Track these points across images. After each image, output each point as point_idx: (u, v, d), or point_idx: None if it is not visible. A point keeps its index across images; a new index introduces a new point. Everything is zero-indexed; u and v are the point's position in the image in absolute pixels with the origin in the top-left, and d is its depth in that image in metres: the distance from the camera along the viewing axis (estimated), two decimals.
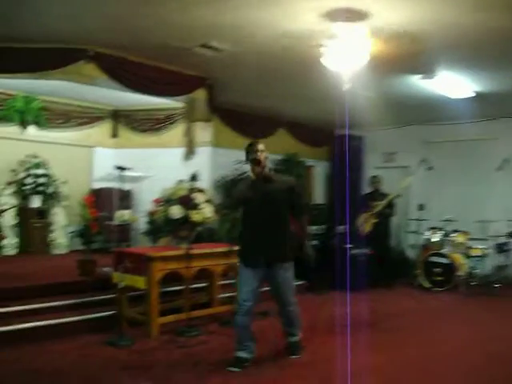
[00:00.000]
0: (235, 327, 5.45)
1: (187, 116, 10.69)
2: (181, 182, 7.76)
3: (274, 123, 12.08)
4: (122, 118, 11.74)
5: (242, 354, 5.35)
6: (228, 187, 5.76)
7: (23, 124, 10.09)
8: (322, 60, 6.22)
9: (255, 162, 5.36)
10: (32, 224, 10.20)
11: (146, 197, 8.83)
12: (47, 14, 6.22)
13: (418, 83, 8.78)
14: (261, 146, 5.41)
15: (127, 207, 6.89)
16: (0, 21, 6.44)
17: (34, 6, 5.97)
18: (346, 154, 12.13)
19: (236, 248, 5.77)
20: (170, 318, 6.68)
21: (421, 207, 11.30)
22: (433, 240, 10.56)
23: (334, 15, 5.84)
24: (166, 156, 10.94)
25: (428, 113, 11.31)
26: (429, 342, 6.57)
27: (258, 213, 5.34)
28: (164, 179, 8.16)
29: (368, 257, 10.12)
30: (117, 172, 6.33)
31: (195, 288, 7.30)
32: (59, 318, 6.39)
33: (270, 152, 11.73)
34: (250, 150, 5.41)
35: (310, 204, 12.26)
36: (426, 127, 12.29)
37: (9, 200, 9.89)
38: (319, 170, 13.80)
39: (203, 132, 10.82)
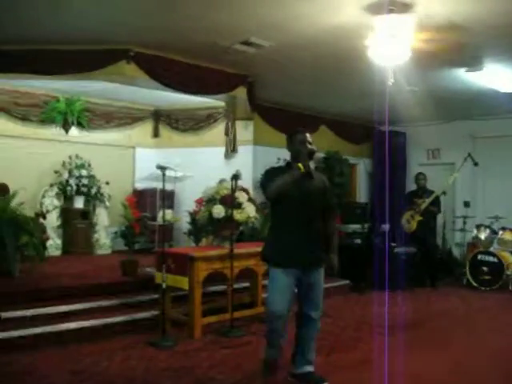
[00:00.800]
0: (267, 332, 4.84)
1: (228, 114, 10.65)
2: (223, 181, 7.71)
3: (315, 120, 11.96)
4: (163, 118, 11.75)
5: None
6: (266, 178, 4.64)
7: (66, 125, 10.17)
8: (367, 54, 6.08)
9: (310, 154, 4.64)
10: (75, 225, 10.27)
11: (188, 196, 8.83)
12: (87, 16, 6.27)
13: (464, 76, 8.59)
14: (309, 136, 4.75)
15: (169, 207, 6.84)
16: (41, 24, 6.52)
17: (73, 8, 6.02)
18: (389, 150, 11.94)
19: (265, 248, 4.95)
20: (213, 318, 6.62)
21: (467, 204, 11.06)
22: (480, 238, 10.31)
23: (377, 7, 5.74)
24: (208, 155, 10.91)
25: (474, 107, 11.07)
26: (475, 343, 6.38)
27: (298, 211, 4.66)
28: (205, 178, 8.13)
29: (413, 255, 9.94)
30: (158, 171, 6.28)
31: (238, 288, 7.23)
32: (103, 318, 6.38)
33: None
34: (300, 140, 4.71)
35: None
36: (472, 122, 12.02)
37: (52, 201, 9.98)
38: (362, 168, 13.62)
39: (244, 130, 10.76)
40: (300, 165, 4.53)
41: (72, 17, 6.29)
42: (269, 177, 4.71)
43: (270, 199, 4.77)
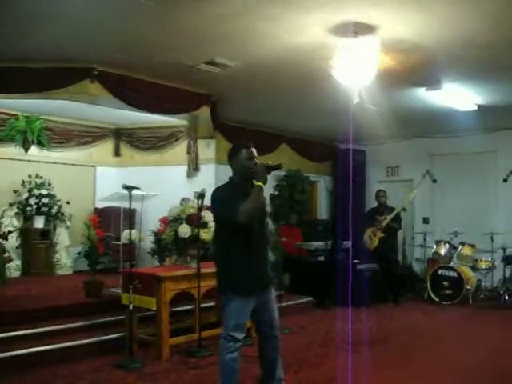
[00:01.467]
0: (226, 368, 4.42)
1: (190, 133, 10.66)
2: (186, 199, 7.69)
3: (276, 139, 12.06)
4: (124, 137, 11.70)
5: None
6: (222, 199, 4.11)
7: (25, 144, 10.00)
8: (331, 74, 6.17)
9: (272, 169, 4.37)
10: (35, 245, 10.09)
11: (151, 215, 8.76)
12: (50, 34, 6.21)
13: (423, 96, 8.79)
14: (255, 150, 4.47)
15: (132, 226, 6.78)
16: (4, 41, 6.42)
17: (37, 26, 5.97)
18: (349, 168, 12.09)
19: (227, 278, 4.47)
20: (181, 338, 6.57)
21: (426, 220, 11.26)
22: (440, 253, 10.50)
23: (342, 29, 5.83)
24: (169, 174, 10.90)
25: (432, 126, 11.31)
26: (439, 358, 6.47)
27: (257, 232, 4.39)
28: (168, 197, 8.10)
29: (375, 272, 10.06)
30: (124, 191, 6.23)
31: (206, 307, 7.19)
32: (68, 341, 6.25)
33: None
34: (248, 156, 4.41)
35: None
36: (430, 140, 12.27)
37: (12, 221, 9.80)
38: (322, 185, 13.74)
39: (206, 149, 10.79)
40: (260, 183, 4.22)
41: (35, 35, 6.22)
42: (222, 199, 4.34)
43: (240, 225, 4.18)
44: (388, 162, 13.20)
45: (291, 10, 5.42)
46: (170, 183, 10.43)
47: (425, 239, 10.93)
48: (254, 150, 4.45)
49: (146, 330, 6.65)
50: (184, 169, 10.81)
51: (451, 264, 10.20)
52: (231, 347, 4.35)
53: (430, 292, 10.12)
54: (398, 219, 10.35)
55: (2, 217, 9.80)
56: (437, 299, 9.99)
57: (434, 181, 10.60)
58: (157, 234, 8.37)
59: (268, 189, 11.72)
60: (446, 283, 9.97)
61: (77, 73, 7.30)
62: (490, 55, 6.74)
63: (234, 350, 4.35)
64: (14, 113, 10.00)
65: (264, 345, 4.63)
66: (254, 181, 4.28)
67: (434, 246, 10.70)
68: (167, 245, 7.43)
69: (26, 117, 10.02)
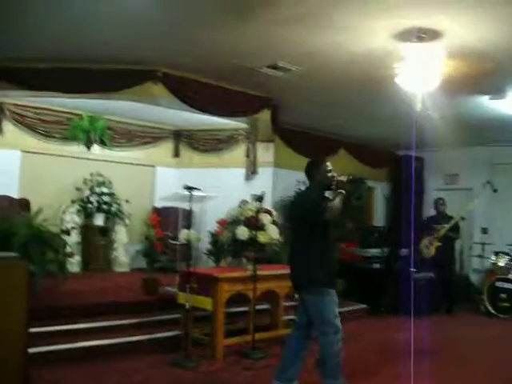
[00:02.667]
0: (337, 358, 4.84)
1: (249, 136, 10.72)
2: (245, 202, 7.75)
3: (335, 144, 12.03)
4: (184, 138, 11.84)
5: None
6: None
7: (88, 143, 10.25)
8: (396, 80, 6.13)
9: (348, 183, 5.03)
10: (95, 242, 10.33)
11: (208, 216, 8.86)
12: (116, 36, 6.35)
13: (486, 104, 8.66)
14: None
15: (189, 227, 6.87)
16: (70, 41, 6.60)
17: (103, 27, 6.13)
18: (407, 175, 11.95)
19: (314, 272, 4.87)
20: (235, 339, 6.62)
21: (485, 231, 11.05)
22: (498, 265, 10.27)
23: (406, 35, 5.80)
24: (228, 176, 10.97)
25: (493, 134, 11.10)
26: (493, 370, 6.36)
27: (332, 233, 5.03)
28: (226, 199, 8.16)
29: (431, 281, 9.91)
30: (185, 192, 6.32)
31: (259, 310, 7.23)
32: (125, 336, 6.42)
33: None
34: (328, 169, 5.05)
35: None
36: (491, 148, 12.02)
37: (73, 218, 10.04)
38: (379, 192, 13.63)
39: (265, 152, 10.82)
40: (342, 191, 4.86)
41: (100, 35, 6.37)
42: (312, 198, 4.93)
43: (327, 221, 4.81)
44: (447, 170, 12.99)
45: (356, 16, 5.43)
46: (227, 185, 10.48)
47: (483, 250, 10.71)
48: (329, 163, 5.12)
49: (201, 329, 6.72)
50: (242, 171, 10.88)
51: (509, 276, 9.96)
52: (337, 338, 4.78)
53: (487, 304, 9.91)
54: (456, 228, 10.18)
55: (64, 213, 10.05)
56: (494, 311, 9.77)
57: (495, 191, 10.36)
58: (214, 235, 8.47)
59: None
60: (503, 295, 9.75)
61: (140, 74, 7.46)
62: None
63: (339, 341, 4.80)
64: (77, 112, 10.26)
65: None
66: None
67: (493, 257, 10.47)
68: (224, 246, 7.49)
69: (90, 116, 10.26)
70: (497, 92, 7.98)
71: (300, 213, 5.06)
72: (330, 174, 5.03)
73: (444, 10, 5.20)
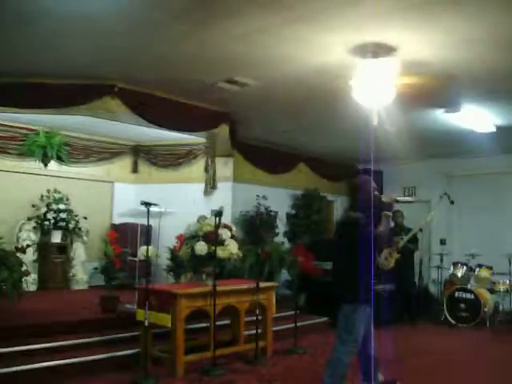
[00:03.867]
0: (345, 368, 5.08)
1: (208, 151, 10.70)
2: (203, 217, 7.71)
3: (294, 158, 12.10)
4: (143, 153, 11.79)
5: None
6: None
7: (45, 159, 10.11)
8: (351, 95, 6.19)
9: (398, 201, 5.22)
10: (52, 259, 10.15)
11: (166, 232, 8.80)
12: (73, 50, 6.28)
13: (442, 117, 8.77)
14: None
15: (148, 243, 6.82)
16: (26, 56, 6.52)
17: (59, 42, 6.04)
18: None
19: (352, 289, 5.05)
20: (196, 356, 6.56)
21: (443, 242, 11.17)
22: (457, 275, 10.42)
23: (362, 50, 5.86)
24: (187, 191, 10.92)
25: (450, 146, 11.27)
26: (455, 381, 6.43)
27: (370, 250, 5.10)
28: (184, 214, 8.11)
29: (391, 293, 9.97)
30: (142, 207, 6.27)
31: (220, 325, 7.18)
32: (83, 355, 6.28)
33: (290, 187, 11.81)
34: (374, 187, 5.16)
35: None
36: (448, 161, 12.26)
37: (29, 235, 9.87)
38: (338, 205, 13.72)
39: (224, 167, 10.82)
40: (388, 213, 5.03)
41: (56, 50, 6.30)
42: (363, 223, 4.92)
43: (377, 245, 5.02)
44: (405, 183, 13.16)
45: (313, 31, 5.47)
46: (186, 200, 10.46)
47: (442, 260, 10.84)
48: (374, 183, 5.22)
49: (161, 346, 6.64)
50: (201, 186, 10.83)
51: (468, 286, 10.11)
52: (355, 352, 5.06)
53: (447, 314, 10.04)
54: (414, 240, 10.29)
55: (20, 230, 9.88)
56: (453, 321, 9.91)
57: (452, 202, 10.51)
58: (173, 250, 8.41)
59: (285, 207, 11.74)
60: (462, 305, 9.90)
61: (98, 89, 7.37)
62: (510, 77, 6.73)
63: (354, 353, 5.08)
64: (34, 128, 10.11)
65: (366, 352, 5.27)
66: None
67: (451, 268, 10.63)
68: (183, 262, 7.43)
69: (46, 132, 10.13)
70: (451, 105, 8.11)
71: (349, 235, 5.05)
72: (374, 194, 5.11)
73: (398, 25, 5.27)
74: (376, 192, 5.14)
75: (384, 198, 5.12)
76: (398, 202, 5.19)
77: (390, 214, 5.09)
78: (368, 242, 4.85)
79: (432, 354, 7.84)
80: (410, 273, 10.50)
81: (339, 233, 5.38)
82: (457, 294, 10.02)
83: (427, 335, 9.24)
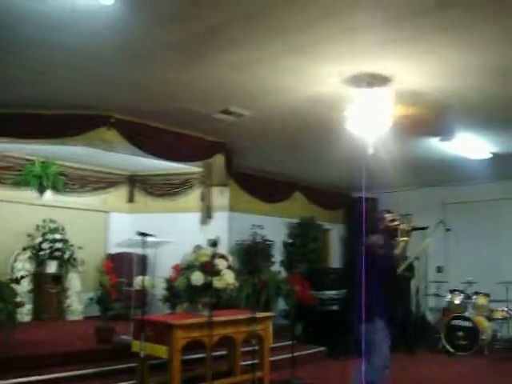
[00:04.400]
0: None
1: (204, 180, 10.72)
2: (199, 247, 7.70)
3: (290, 187, 12.12)
4: (138, 183, 11.81)
5: None
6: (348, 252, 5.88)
7: (41, 189, 10.12)
8: (346, 125, 6.23)
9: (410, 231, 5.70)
10: (47, 290, 10.09)
11: (162, 262, 8.78)
12: (67, 81, 6.33)
13: (436, 145, 8.81)
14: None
15: (144, 273, 6.80)
16: (20, 87, 6.56)
17: (53, 73, 6.09)
18: (361, 216, 12.04)
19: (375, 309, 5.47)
20: None
21: (439, 269, 11.17)
22: (454, 303, 10.38)
23: (356, 80, 5.92)
24: (183, 221, 10.91)
25: (445, 174, 11.32)
26: None
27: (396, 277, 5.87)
28: (180, 244, 8.09)
29: (388, 321, 9.91)
30: (138, 238, 6.26)
31: (216, 356, 7.12)
32: None
33: (286, 216, 11.80)
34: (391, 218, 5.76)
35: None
36: (443, 188, 12.27)
37: (24, 265, 9.83)
38: (335, 233, 13.71)
39: (220, 196, 10.84)
40: (405, 239, 5.57)
41: (51, 81, 6.34)
42: (382, 245, 5.61)
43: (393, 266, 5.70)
44: (400, 211, 13.09)
45: (307, 62, 5.53)
46: (183, 230, 10.42)
47: (439, 288, 10.82)
48: (388, 215, 5.83)
49: (157, 377, 6.57)
50: (197, 216, 10.84)
51: (466, 314, 10.07)
52: (383, 365, 5.46)
53: (445, 342, 9.98)
54: (410, 268, 10.28)
55: (15, 261, 9.85)
56: (452, 350, 9.85)
57: (448, 230, 10.53)
58: (169, 281, 8.37)
59: (281, 236, 11.73)
60: (460, 333, 9.85)
61: (93, 120, 7.41)
62: (504, 105, 6.80)
63: (385, 367, 5.50)
64: (30, 158, 10.14)
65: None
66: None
67: (448, 296, 10.59)
68: (179, 292, 7.40)
69: (42, 162, 10.16)
70: (446, 134, 8.15)
71: (372, 256, 5.51)
72: (393, 224, 5.70)
73: (392, 56, 5.34)
74: (394, 222, 5.70)
75: (402, 226, 5.64)
76: (414, 229, 5.75)
77: (407, 239, 5.57)
78: (384, 261, 5.50)
79: (432, 382, 7.78)
80: (407, 301, 10.46)
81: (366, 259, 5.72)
82: (454, 321, 9.98)
83: (426, 364, 9.17)
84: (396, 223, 5.70)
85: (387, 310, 5.49)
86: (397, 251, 5.57)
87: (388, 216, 5.79)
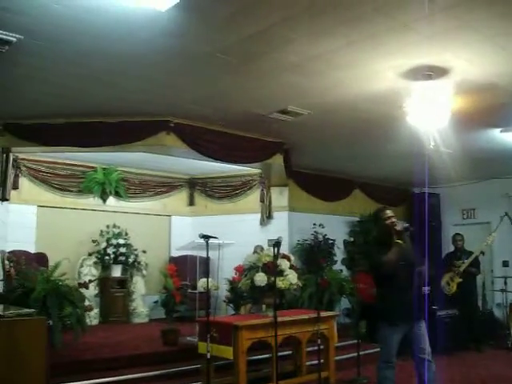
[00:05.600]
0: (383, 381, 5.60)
1: (263, 181, 10.75)
2: (259, 247, 7.70)
3: (349, 185, 12.05)
4: (198, 186, 11.93)
5: None
6: (365, 254, 5.88)
7: (103, 195, 10.33)
8: (405, 119, 6.15)
9: (405, 230, 5.50)
10: (113, 293, 10.30)
11: (225, 264, 8.80)
12: (128, 89, 6.47)
13: (498, 136, 8.60)
14: (391, 212, 5.63)
15: (207, 275, 6.84)
16: (84, 96, 6.71)
17: (115, 81, 6.23)
18: (424, 212, 11.86)
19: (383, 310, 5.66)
20: None
21: (506, 264, 10.89)
22: None
23: (414, 73, 5.83)
24: (243, 222, 10.99)
25: (508, 166, 11.01)
26: None
27: (404, 275, 5.41)
28: (242, 245, 8.12)
29: (454, 318, 9.73)
30: (201, 240, 6.30)
31: (282, 356, 7.11)
32: None
33: (346, 214, 11.70)
34: (386, 217, 5.54)
35: None
36: (507, 181, 11.92)
37: (90, 270, 10.06)
38: None
39: (279, 196, 10.86)
40: (400, 241, 5.35)
41: (112, 89, 6.50)
42: (372, 253, 5.68)
43: (385, 272, 5.40)
44: (463, 205, 12.90)
45: (364, 58, 5.49)
46: (243, 231, 10.49)
47: (505, 283, 10.54)
48: (388, 211, 5.59)
49: (223, 379, 6.61)
50: (257, 217, 10.89)
51: None
52: (387, 366, 5.60)
53: None
54: (476, 263, 10.04)
55: (82, 266, 10.09)
56: None
57: None
58: (232, 282, 8.41)
59: (342, 235, 11.65)
60: None
61: (153, 126, 7.54)
62: None
63: (390, 368, 5.61)
64: (92, 165, 10.38)
65: (418, 367, 5.55)
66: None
67: None
68: (243, 293, 7.43)
69: (104, 169, 10.37)
70: (508, 124, 7.96)
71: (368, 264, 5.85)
72: (388, 222, 5.49)
73: (449, 47, 5.24)
74: (390, 220, 5.48)
75: (397, 227, 5.44)
76: (407, 230, 5.49)
77: (402, 243, 5.36)
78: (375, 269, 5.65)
79: (502, 382, 7.57)
80: (473, 297, 10.23)
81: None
82: None
83: (494, 362, 8.89)
84: (393, 220, 5.50)
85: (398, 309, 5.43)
86: (389, 256, 5.34)
87: (388, 212, 5.59)
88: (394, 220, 5.51)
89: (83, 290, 7.34)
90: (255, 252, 7.79)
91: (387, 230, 5.49)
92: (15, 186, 9.48)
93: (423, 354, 5.48)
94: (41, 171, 9.97)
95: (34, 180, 9.89)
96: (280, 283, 6.67)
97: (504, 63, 5.69)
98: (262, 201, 10.85)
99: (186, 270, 9.56)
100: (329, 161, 10.51)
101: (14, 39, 4.96)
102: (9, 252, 8.29)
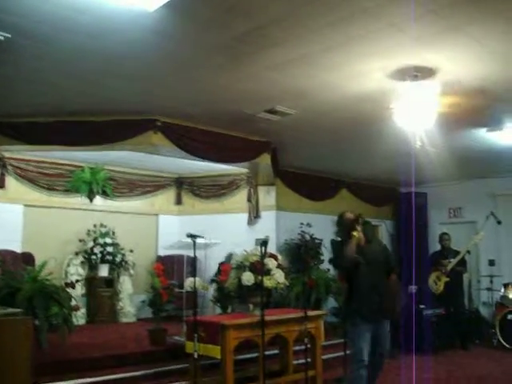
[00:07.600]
0: (358, 381, 5.60)
1: (251, 181, 10.75)
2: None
3: (336, 184, 12.09)
4: (186, 185, 11.89)
5: None
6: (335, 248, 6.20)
7: (91, 194, 10.28)
8: (392, 119, 6.18)
9: (356, 220, 5.62)
10: (100, 293, 10.25)
11: (212, 263, 8.82)
12: (116, 88, 6.45)
13: (484, 136, 8.64)
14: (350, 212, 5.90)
15: (194, 274, 6.84)
16: (71, 96, 6.69)
17: (103, 81, 6.23)
18: (411, 211, 11.91)
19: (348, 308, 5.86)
20: None
21: (492, 263, 10.96)
22: (508, 297, 10.15)
23: (401, 74, 5.86)
24: (230, 221, 10.97)
25: (494, 166, 11.09)
26: None
27: (368, 273, 5.58)
28: (229, 245, 8.11)
29: (441, 317, 9.78)
30: (188, 239, 6.30)
31: (269, 355, 7.11)
32: None
33: (333, 213, 11.72)
34: (346, 218, 5.81)
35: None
36: (493, 180, 12.01)
37: (77, 270, 10.01)
38: (383, 230, 13.58)
39: (267, 196, 10.86)
40: (355, 233, 5.48)
41: (101, 89, 6.49)
42: (335, 249, 6.03)
43: (345, 268, 5.73)
44: (450, 204, 12.97)
45: (351, 58, 5.51)
46: (230, 231, 10.48)
47: (491, 282, 10.61)
48: (348, 212, 5.88)
49: (210, 378, 6.61)
50: (245, 216, 10.88)
51: None
52: (359, 365, 5.56)
53: (500, 338, 9.75)
54: (462, 262, 10.10)
55: (69, 265, 10.03)
56: (508, 345, 9.61)
57: (499, 222, 10.34)
58: (218, 281, 8.41)
59: (329, 235, 11.66)
60: None
61: (140, 124, 7.53)
62: None
63: (362, 367, 5.57)
64: (79, 164, 10.32)
65: (374, 365, 5.69)
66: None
67: (502, 290, 10.35)
68: (230, 292, 7.43)
69: (91, 168, 10.31)
70: (494, 124, 8.00)
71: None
72: (345, 217, 5.82)
73: (436, 48, 5.27)
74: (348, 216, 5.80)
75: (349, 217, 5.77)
76: (357, 220, 5.59)
77: (356, 234, 5.50)
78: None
79: (489, 380, 7.61)
80: (459, 296, 10.28)
81: None
82: (509, 316, 9.74)
83: (481, 360, 8.95)
84: (349, 216, 5.78)
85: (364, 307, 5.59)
86: (346, 249, 5.52)
87: (347, 213, 5.88)
88: (349, 215, 5.78)
89: (70, 290, 7.32)
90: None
91: (347, 228, 5.68)
92: (1, 185, 9.44)
93: (383, 351, 5.74)
94: (28, 170, 9.90)
95: (21, 179, 9.82)
96: (267, 282, 6.68)
97: (490, 64, 5.73)
98: (249, 200, 10.84)
99: (173, 269, 9.56)
100: (316, 160, 10.53)
101: (2, 38, 4.94)
102: None
